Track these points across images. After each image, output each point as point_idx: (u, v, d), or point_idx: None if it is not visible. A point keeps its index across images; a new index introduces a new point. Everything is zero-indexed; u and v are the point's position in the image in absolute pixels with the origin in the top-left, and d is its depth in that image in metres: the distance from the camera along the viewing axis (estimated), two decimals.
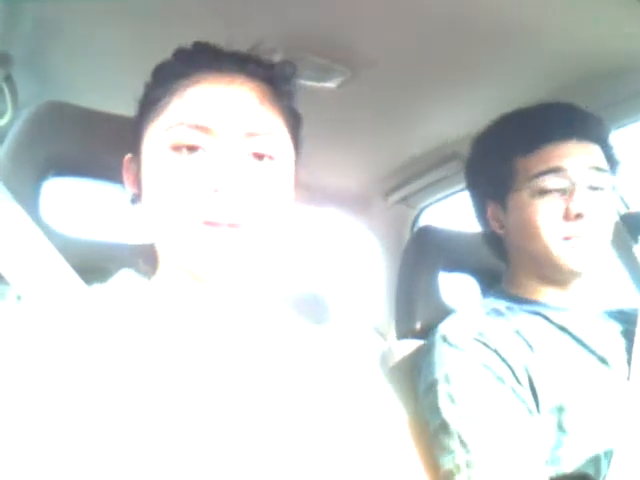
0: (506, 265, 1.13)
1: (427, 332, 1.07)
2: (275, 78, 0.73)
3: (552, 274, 1.03)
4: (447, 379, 0.92)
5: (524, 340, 0.95)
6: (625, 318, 1.03)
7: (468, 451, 0.85)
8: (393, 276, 1.73)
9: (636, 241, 1.28)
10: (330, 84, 1.25)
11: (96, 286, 0.70)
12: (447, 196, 1.74)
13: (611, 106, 1.17)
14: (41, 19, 1.04)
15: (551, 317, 1.00)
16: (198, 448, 0.60)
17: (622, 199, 1.30)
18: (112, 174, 0.76)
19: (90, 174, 0.89)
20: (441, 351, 0.96)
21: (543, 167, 0.99)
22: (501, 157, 1.05)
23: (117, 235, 0.88)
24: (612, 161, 1.05)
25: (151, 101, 0.71)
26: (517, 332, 0.96)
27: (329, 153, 1.50)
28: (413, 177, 1.67)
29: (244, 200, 0.66)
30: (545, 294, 1.05)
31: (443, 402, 0.91)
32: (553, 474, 0.85)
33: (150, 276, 0.74)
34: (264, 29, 0.95)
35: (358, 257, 2.02)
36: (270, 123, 0.70)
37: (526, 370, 0.91)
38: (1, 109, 1.06)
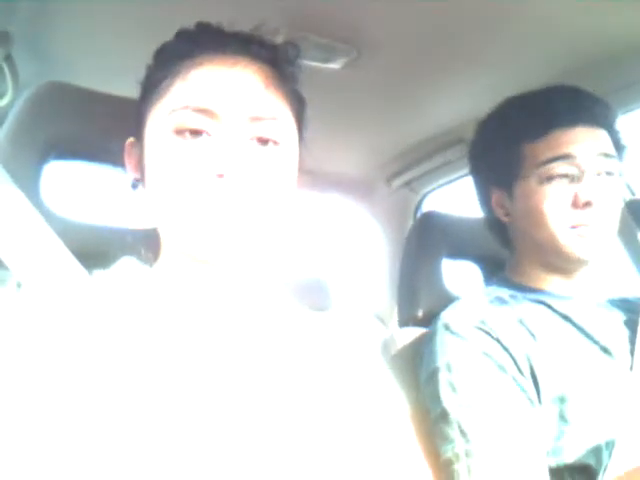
0: (510, 253, 1.12)
1: (429, 320, 1.07)
2: (279, 60, 0.72)
3: (558, 262, 1.02)
4: (449, 367, 0.92)
5: (527, 329, 0.95)
6: (629, 307, 1.03)
7: (468, 440, 0.85)
8: (395, 262, 1.73)
9: None
10: (334, 65, 1.23)
11: (97, 272, 0.69)
12: (450, 181, 1.73)
13: (617, 91, 1.17)
14: None
15: (555, 306, 1.00)
16: (203, 434, 0.60)
17: (627, 185, 1.30)
18: (114, 157, 0.75)
19: (92, 157, 0.88)
20: (443, 339, 0.96)
21: (551, 154, 0.98)
22: (507, 143, 1.03)
23: (118, 220, 0.87)
24: (618, 147, 1.04)
25: (153, 83, 0.70)
26: (520, 321, 0.96)
27: (331, 136, 1.49)
28: (416, 162, 1.66)
29: (248, 185, 0.65)
30: (549, 282, 1.04)
31: (444, 391, 0.91)
32: (554, 464, 0.85)
33: (152, 263, 0.74)
34: (266, 7, 0.93)
35: (360, 243, 2.01)
36: (275, 107, 0.69)
37: (528, 359, 0.91)
38: (1, 89, 1.04)
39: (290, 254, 0.80)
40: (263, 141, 0.67)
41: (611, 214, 0.99)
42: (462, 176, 1.65)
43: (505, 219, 1.08)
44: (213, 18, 0.73)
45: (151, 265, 0.74)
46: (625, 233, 1.30)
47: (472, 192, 1.17)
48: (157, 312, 0.67)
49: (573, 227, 0.97)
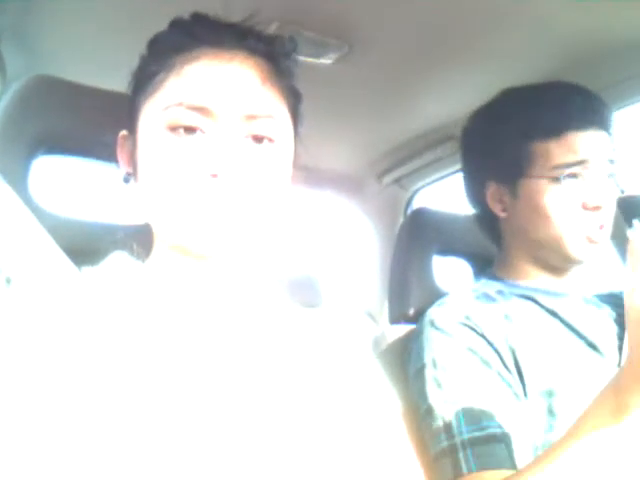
0: (499, 248, 1.12)
1: (420, 317, 1.07)
2: (276, 54, 0.71)
3: (555, 262, 1.02)
4: (434, 364, 0.93)
5: (513, 324, 0.95)
6: (617, 302, 1.03)
7: (452, 436, 0.86)
8: (386, 259, 1.73)
9: (630, 225, 1.28)
10: (326, 60, 1.23)
11: (86, 269, 0.69)
12: (440, 178, 1.73)
13: (608, 88, 1.16)
14: None
15: (542, 301, 1.00)
16: (193, 431, 0.59)
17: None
18: (104, 152, 0.74)
19: (81, 152, 0.87)
20: (429, 336, 0.96)
21: (567, 158, 0.97)
22: (515, 139, 1.01)
23: (109, 216, 0.86)
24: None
25: (147, 76, 0.68)
26: (506, 316, 0.96)
27: (322, 132, 1.48)
28: (407, 158, 1.66)
29: (242, 185, 0.64)
30: (538, 278, 1.05)
31: (430, 387, 0.91)
32: None
33: (144, 258, 0.73)
34: (258, 2, 0.93)
35: (351, 239, 2.01)
36: (271, 105, 0.68)
37: (513, 354, 0.92)
38: None
39: (281, 251, 0.80)
40: (258, 139, 0.67)
41: (611, 215, 1.00)
42: (452, 173, 1.66)
43: (502, 214, 1.06)
44: (206, 11, 0.72)
45: (143, 260, 0.73)
46: (614, 230, 1.31)
47: (462, 188, 1.16)
48: (148, 307, 0.67)
49: (582, 230, 0.97)
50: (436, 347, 0.94)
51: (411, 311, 1.17)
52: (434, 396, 0.90)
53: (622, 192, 1.09)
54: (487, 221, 1.11)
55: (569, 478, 0.72)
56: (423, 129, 1.54)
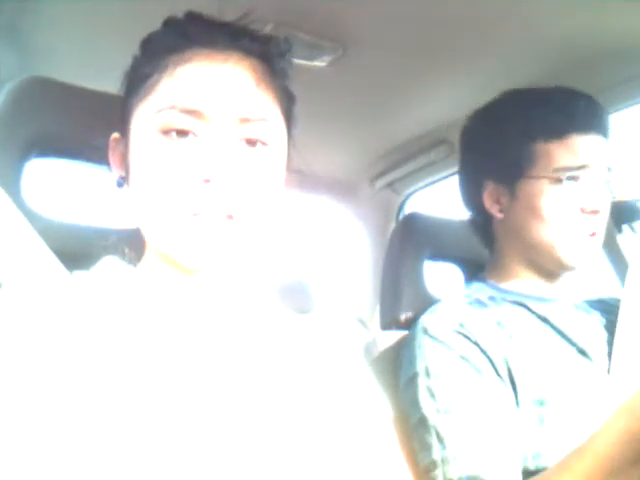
0: (490, 252, 1.12)
1: (411, 323, 1.06)
2: (271, 55, 0.70)
3: (547, 266, 1.02)
4: (427, 372, 0.92)
5: (505, 331, 0.95)
6: (607, 308, 1.04)
7: (444, 447, 0.85)
8: (378, 263, 1.73)
9: (620, 230, 1.29)
10: (319, 63, 1.23)
11: (78, 273, 0.68)
12: (433, 182, 1.73)
13: (605, 90, 1.16)
14: None
15: (533, 308, 1.00)
16: (180, 437, 0.59)
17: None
18: (98, 155, 0.74)
19: (75, 154, 0.86)
20: (422, 343, 0.95)
21: (570, 161, 0.97)
22: (517, 139, 1.01)
23: (102, 219, 0.86)
24: None
25: (140, 77, 0.67)
26: (498, 323, 0.96)
27: (314, 135, 1.48)
28: (400, 162, 1.66)
29: (236, 191, 0.64)
30: (529, 285, 1.05)
31: (423, 396, 0.91)
32: (533, 467, 0.86)
33: (136, 263, 0.73)
34: (251, 3, 0.93)
35: (343, 244, 2.00)
36: (264, 108, 0.67)
37: (506, 362, 0.91)
38: None
39: (273, 256, 0.80)
40: (251, 142, 0.66)
41: (605, 222, 1.01)
42: (445, 177, 1.66)
43: (498, 215, 1.05)
44: (198, 12, 0.71)
45: (135, 265, 0.73)
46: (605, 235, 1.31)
47: (454, 193, 1.16)
48: (139, 312, 0.67)
49: (578, 234, 0.98)
50: (429, 355, 0.93)
51: (402, 317, 1.17)
52: (427, 406, 0.89)
53: (613, 197, 1.10)
54: (481, 223, 1.11)
55: None
56: (416, 133, 1.53)
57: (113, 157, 0.72)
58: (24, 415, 0.55)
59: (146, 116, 0.66)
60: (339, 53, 1.20)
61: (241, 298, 0.74)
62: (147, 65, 0.67)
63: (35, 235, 0.63)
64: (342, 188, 1.81)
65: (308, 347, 0.75)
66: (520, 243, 1.03)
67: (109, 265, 0.71)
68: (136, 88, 0.68)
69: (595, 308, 1.05)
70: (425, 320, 0.98)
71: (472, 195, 1.10)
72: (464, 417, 0.86)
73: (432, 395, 0.89)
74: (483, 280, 1.09)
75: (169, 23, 0.71)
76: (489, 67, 1.24)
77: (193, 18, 0.71)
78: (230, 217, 0.64)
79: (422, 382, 0.91)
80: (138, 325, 0.65)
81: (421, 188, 1.78)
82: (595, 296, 1.08)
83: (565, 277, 1.04)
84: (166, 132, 0.64)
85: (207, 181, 0.63)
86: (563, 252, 0.99)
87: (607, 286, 1.34)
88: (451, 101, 1.38)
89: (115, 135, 0.72)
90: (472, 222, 1.14)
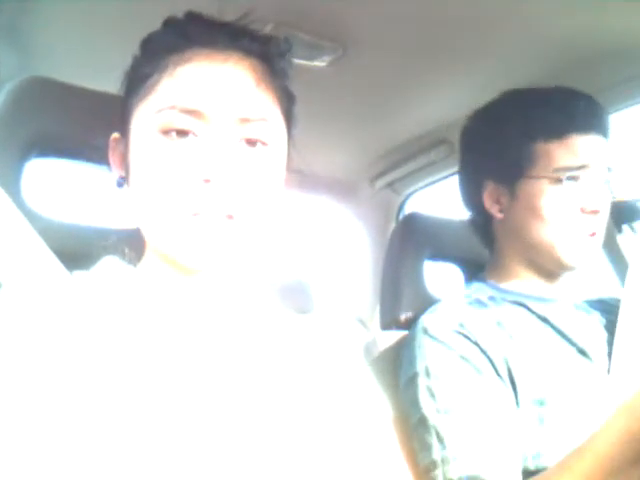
0: (490, 252, 1.12)
1: (411, 322, 1.06)
2: (271, 55, 0.70)
3: (548, 266, 1.02)
4: (427, 372, 0.92)
5: (505, 331, 0.95)
6: (606, 309, 1.04)
7: (444, 447, 0.85)
8: (378, 263, 1.73)
9: (620, 231, 1.29)
10: (320, 62, 1.23)
11: (78, 273, 0.68)
12: (433, 182, 1.73)
13: (604, 90, 1.16)
14: None
15: (533, 308, 1.00)
16: (181, 437, 0.59)
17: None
18: (98, 155, 0.74)
19: (75, 155, 0.86)
20: (422, 343, 0.95)
21: (571, 161, 0.98)
22: (518, 139, 1.01)
23: (102, 219, 0.86)
24: None
25: (140, 78, 0.67)
26: (498, 323, 0.96)
27: (315, 135, 1.48)
28: (400, 162, 1.66)
29: (236, 191, 0.64)
30: (529, 284, 1.05)
31: (423, 396, 0.91)
32: (533, 467, 0.86)
33: (136, 263, 0.73)
34: (251, 3, 0.93)
35: (343, 244, 2.00)
36: (264, 108, 0.67)
37: (506, 362, 0.92)
38: None
39: (273, 255, 0.80)
40: (251, 142, 0.66)
41: (605, 223, 1.01)
42: (445, 177, 1.66)
43: (498, 215, 1.05)
44: (198, 11, 0.71)
45: (135, 264, 0.72)
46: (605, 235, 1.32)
47: (454, 193, 1.16)
48: (139, 312, 0.67)
49: (578, 234, 0.98)
50: (429, 355, 0.93)
51: (402, 317, 1.17)
52: (427, 406, 0.89)
53: (613, 197, 1.10)
54: (481, 223, 1.11)
55: None
56: (416, 133, 1.53)
57: (113, 157, 0.72)
58: (24, 415, 0.55)
59: (146, 116, 0.66)
60: (339, 53, 1.20)
61: (241, 298, 0.74)
62: (147, 65, 0.67)
63: (35, 235, 0.64)
64: (342, 188, 1.81)
65: (308, 347, 0.75)
66: (520, 243, 1.03)
67: (109, 265, 0.71)
68: (136, 88, 0.68)
69: (595, 308, 1.05)
70: (425, 320, 0.98)
71: (472, 195, 1.10)
72: (464, 417, 0.86)
73: (432, 395, 0.89)
74: (483, 280, 1.09)
75: (169, 23, 0.71)
76: (489, 67, 1.24)
77: (193, 18, 0.70)
78: (230, 217, 0.64)
79: (422, 382, 0.91)
80: (138, 325, 0.65)
81: (421, 188, 1.78)
82: (595, 296, 1.08)
83: (565, 277, 1.04)
84: (166, 132, 0.64)
85: (207, 181, 0.63)
86: (563, 252, 0.99)
87: (607, 286, 1.34)
88: (451, 101, 1.38)
89: (115, 135, 0.72)
90: (472, 222, 1.14)
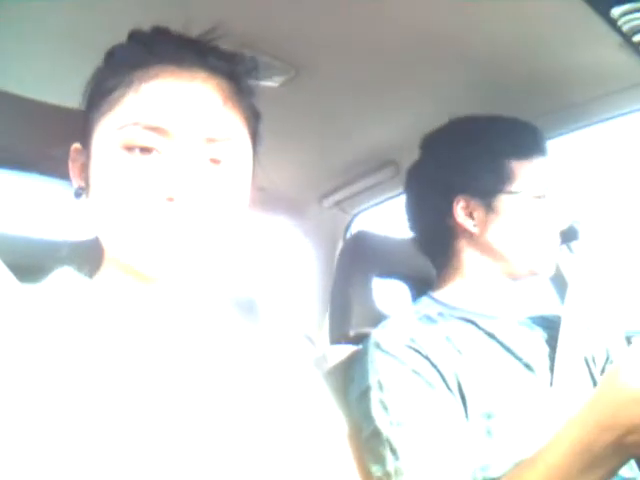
0: (440, 268, 1.14)
1: (360, 338, 1.08)
2: (238, 73, 0.70)
3: (516, 274, 1.07)
4: (380, 386, 0.93)
5: (454, 346, 0.97)
6: (548, 325, 1.08)
7: (397, 458, 0.86)
8: (324, 281, 1.74)
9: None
10: (272, 83, 1.24)
11: (28, 286, 0.66)
12: (380, 202, 1.75)
13: (541, 117, 1.22)
14: None
15: (480, 324, 1.03)
16: (133, 453, 0.57)
17: None
18: (51, 168, 0.72)
19: (27, 168, 0.84)
20: (374, 357, 0.96)
21: (542, 180, 1.05)
22: (492, 155, 1.05)
23: (56, 232, 0.84)
24: None
25: (103, 91, 0.66)
26: (448, 338, 0.98)
27: (265, 154, 1.48)
28: (348, 182, 1.68)
29: (199, 210, 0.63)
30: (476, 301, 1.07)
31: (375, 409, 0.91)
32: (481, 479, 0.87)
33: (92, 274, 0.71)
34: (203, 24, 0.94)
35: (290, 261, 2.01)
36: (231, 127, 0.67)
37: (456, 376, 0.94)
38: None
39: (227, 271, 0.80)
40: (216, 162, 0.66)
41: None
42: (390, 198, 1.68)
43: (473, 230, 1.06)
44: (147, 25, 0.71)
45: (91, 276, 0.71)
46: None
47: (398, 213, 1.18)
48: (94, 324, 0.65)
49: (552, 245, 1.07)
50: (382, 369, 0.94)
51: (352, 332, 1.18)
52: (380, 418, 0.90)
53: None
54: (443, 239, 1.11)
55: None
56: (364, 154, 1.55)
57: (73, 168, 0.71)
58: None
59: (109, 131, 0.65)
60: (292, 74, 1.21)
61: (199, 308, 0.74)
62: (111, 79, 0.66)
63: None
64: (290, 206, 1.82)
65: (265, 359, 0.75)
66: (493, 255, 1.07)
67: (62, 277, 0.69)
68: (99, 101, 0.66)
69: (537, 324, 1.09)
70: (377, 335, 1.00)
71: (438, 210, 1.10)
72: (416, 429, 0.88)
73: (385, 408, 0.91)
74: (431, 296, 1.11)
75: (135, 37, 0.70)
76: (435, 92, 1.27)
77: (159, 33, 0.70)
78: (192, 235, 0.63)
79: (375, 395, 0.92)
80: (92, 336, 0.63)
81: (368, 208, 1.80)
82: (537, 313, 1.12)
83: (510, 295, 1.08)
84: (129, 148, 0.63)
85: (171, 200, 0.62)
86: (538, 262, 1.06)
87: (547, 303, 1.39)
88: (398, 124, 1.40)
89: (76, 145, 0.70)
90: (427, 239, 1.15)
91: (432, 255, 1.16)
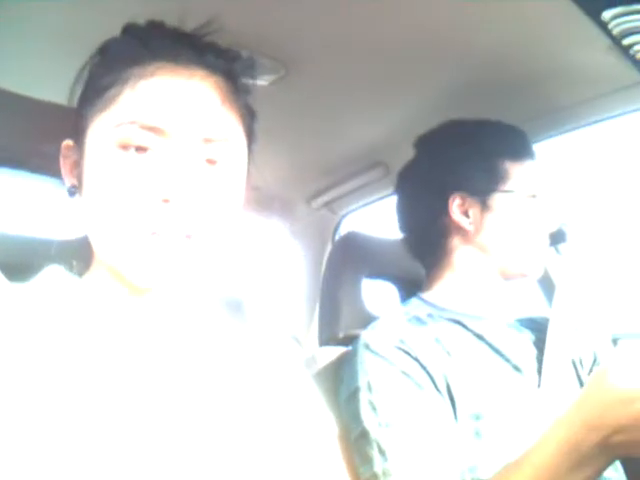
0: (430, 269, 1.14)
1: (350, 339, 1.08)
2: (236, 72, 0.69)
3: (507, 275, 1.08)
4: (369, 387, 0.93)
5: (443, 348, 0.98)
6: (536, 327, 1.09)
7: (386, 459, 0.86)
8: (313, 282, 1.74)
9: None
10: (262, 81, 1.23)
11: (17, 284, 0.65)
12: (369, 203, 1.75)
13: (530, 119, 1.23)
14: None
15: (469, 325, 1.03)
16: (120, 459, 0.57)
17: None
18: (41, 166, 0.71)
19: (18, 165, 0.83)
20: (363, 358, 0.96)
21: (534, 181, 1.07)
22: (487, 155, 1.07)
23: (46, 231, 0.83)
24: None
25: (98, 88, 0.64)
26: (437, 340, 0.99)
27: (254, 153, 1.47)
28: (337, 183, 1.68)
29: (195, 211, 0.63)
30: (465, 302, 1.08)
31: (364, 410, 0.91)
32: None
33: (82, 273, 0.70)
34: (195, 21, 0.93)
35: (278, 261, 2.00)
36: (228, 127, 0.66)
37: (445, 378, 0.94)
38: None
39: (218, 272, 0.79)
40: (212, 162, 0.65)
41: None
42: (381, 198, 1.68)
43: (468, 227, 1.07)
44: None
45: (81, 274, 0.70)
46: None
47: (387, 214, 1.18)
48: (81, 325, 0.64)
49: (543, 245, 1.09)
50: (371, 370, 0.94)
51: (341, 333, 1.18)
52: (369, 419, 0.90)
53: None
54: (435, 237, 1.11)
55: None
56: (353, 154, 1.55)
57: (64, 165, 0.69)
58: None
59: (104, 129, 0.63)
60: (282, 73, 1.20)
61: (189, 315, 0.73)
62: (107, 76, 0.64)
63: None
64: (279, 206, 1.81)
65: (253, 361, 0.75)
66: (486, 254, 1.07)
67: (52, 275, 0.68)
68: (93, 98, 0.65)
69: (525, 326, 1.09)
70: (366, 336, 0.99)
71: (432, 208, 1.10)
72: (405, 430, 0.88)
73: (374, 409, 0.91)
74: (420, 297, 1.11)
75: (130, 31, 0.69)
76: (426, 92, 1.27)
77: (155, 27, 0.69)
78: (188, 237, 0.63)
79: (364, 396, 0.92)
80: (82, 337, 0.63)
81: (356, 209, 1.80)
82: (525, 315, 1.13)
83: (497, 297, 1.09)
84: (125, 147, 0.62)
85: (166, 201, 0.61)
86: (530, 260, 1.08)
87: (535, 305, 1.39)
88: (387, 125, 1.40)
89: (68, 142, 0.69)
90: (420, 238, 1.15)
91: (423, 255, 1.16)
